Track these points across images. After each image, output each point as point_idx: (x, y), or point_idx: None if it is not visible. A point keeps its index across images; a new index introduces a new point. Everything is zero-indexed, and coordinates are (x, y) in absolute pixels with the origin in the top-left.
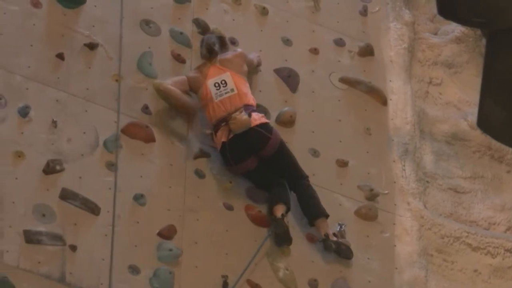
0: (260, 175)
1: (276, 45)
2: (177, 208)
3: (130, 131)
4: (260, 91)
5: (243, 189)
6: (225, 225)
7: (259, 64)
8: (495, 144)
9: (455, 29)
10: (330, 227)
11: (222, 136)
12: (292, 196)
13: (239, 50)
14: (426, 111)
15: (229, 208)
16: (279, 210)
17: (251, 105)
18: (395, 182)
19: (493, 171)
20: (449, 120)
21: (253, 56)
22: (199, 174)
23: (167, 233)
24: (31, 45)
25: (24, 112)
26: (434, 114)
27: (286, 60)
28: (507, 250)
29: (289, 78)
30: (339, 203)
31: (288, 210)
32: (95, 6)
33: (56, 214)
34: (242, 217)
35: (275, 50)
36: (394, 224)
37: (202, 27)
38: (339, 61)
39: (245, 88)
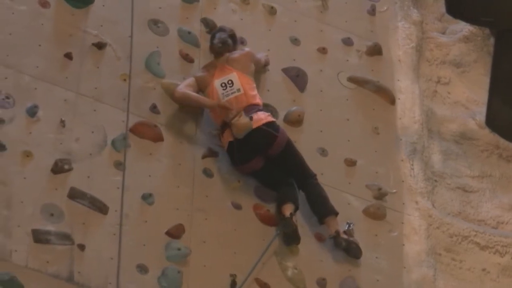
0: (268, 174)
1: (284, 44)
2: (185, 208)
3: (138, 130)
4: (268, 90)
5: (252, 188)
6: (233, 224)
7: (267, 64)
8: (503, 143)
9: (463, 28)
10: (339, 226)
11: (228, 136)
12: (300, 195)
13: (246, 49)
14: (434, 110)
15: (238, 207)
16: (288, 209)
17: (257, 105)
18: (403, 181)
19: (501, 170)
20: (457, 119)
21: (261, 55)
22: (208, 174)
23: (175, 232)
24: (40, 45)
25: (32, 112)
26: (442, 113)
27: (294, 60)
28: None
29: (297, 78)
30: (347, 202)
31: (296, 209)
32: (103, 5)
33: (64, 214)
34: (250, 216)
35: (283, 50)
36: (402, 223)
37: (210, 27)
38: (347, 60)
39: (252, 88)
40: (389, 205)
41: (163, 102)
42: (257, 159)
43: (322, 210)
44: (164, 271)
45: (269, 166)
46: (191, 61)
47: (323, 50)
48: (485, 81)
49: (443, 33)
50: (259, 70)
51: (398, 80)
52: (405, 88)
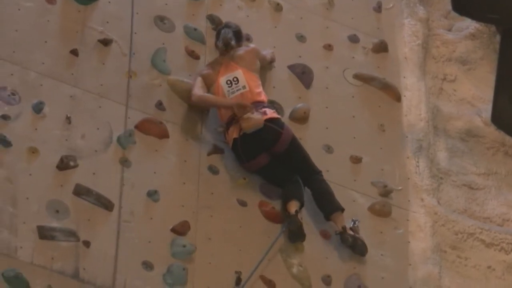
0: (273, 172)
1: (290, 41)
2: (190, 204)
3: (144, 127)
4: (274, 87)
5: (257, 185)
6: (238, 221)
7: (272, 61)
8: (509, 140)
9: (470, 25)
10: (345, 222)
11: (233, 133)
12: (306, 192)
13: (251, 45)
14: (440, 107)
15: (243, 204)
16: (293, 206)
17: (262, 102)
18: (408, 179)
19: (507, 168)
20: (463, 116)
21: (266, 52)
22: (213, 170)
23: (180, 229)
24: (46, 42)
25: (38, 108)
26: (448, 111)
27: (300, 57)
28: None
29: (303, 75)
30: (353, 199)
31: (301, 206)
32: (109, 2)
33: (69, 210)
34: (255, 213)
35: (289, 47)
36: (407, 220)
37: (216, 24)
38: (353, 57)
39: (257, 84)
40: (395, 202)
41: (169, 99)
42: (263, 156)
43: (329, 206)
44: (169, 268)
45: (274, 163)
46: (197, 57)
47: (329, 47)
48: (491, 79)
49: (449, 30)
50: (265, 66)
51: (404, 77)
52: (411, 85)
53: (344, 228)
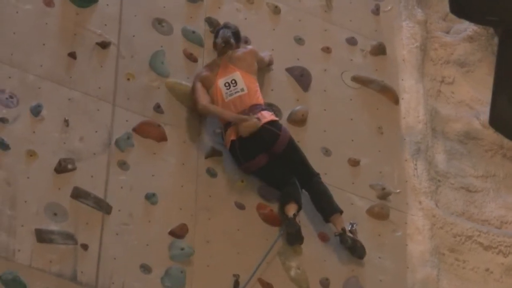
0: (271, 173)
1: (289, 44)
2: (189, 207)
3: (142, 130)
4: (272, 90)
5: (255, 188)
6: (237, 224)
7: (271, 63)
8: (508, 143)
9: (468, 27)
10: (344, 224)
11: (231, 135)
12: (303, 195)
13: (249, 47)
14: (439, 110)
15: (241, 207)
16: (291, 209)
17: (260, 104)
18: (407, 181)
19: (506, 170)
20: (462, 119)
21: (265, 54)
22: (211, 173)
23: (179, 232)
24: (44, 44)
25: (36, 111)
26: (447, 113)
27: (298, 59)
28: None
29: (301, 77)
30: (351, 202)
31: (299, 209)
32: (107, 4)
33: (68, 213)
34: (254, 216)
35: (287, 49)
36: (406, 223)
37: (215, 26)
38: (351, 60)
39: (255, 87)
40: (393, 205)
41: (167, 102)
42: (261, 157)
43: (328, 208)
44: (167, 271)
45: (272, 164)
46: (195, 60)
47: (327, 50)
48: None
49: (448, 32)
50: (263, 68)
51: (402, 79)
52: (409, 88)
53: (343, 229)
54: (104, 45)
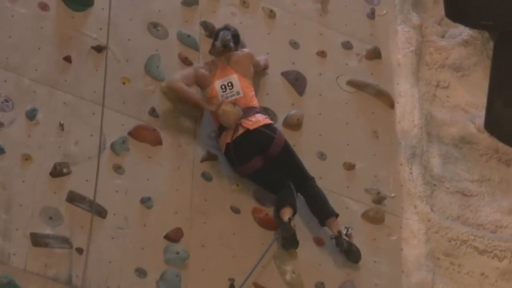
0: (267, 175)
1: (284, 48)
2: (184, 211)
3: (137, 134)
4: (267, 94)
5: (250, 192)
6: (232, 228)
7: (266, 67)
8: (503, 147)
9: (463, 32)
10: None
11: (226, 138)
12: (299, 198)
13: (246, 50)
14: (434, 114)
15: (236, 211)
16: (286, 213)
17: (255, 107)
18: (402, 185)
19: (501, 174)
20: (457, 123)
21: (261, 58)
22: (206, 177)
23: (174, 236)
24: (39, 48)
25: (31, 115)
26: (442, 117)
27: (293, 63)
28: None
29: (297, 81)
30: (346, 206)
31: (295, 213)
32: (103, 8)
33: (63, 217)
34: (249, 220)
35: (282, 53)
36: (401, 227)
37: (210, 30)
38: (346, 64)
39: (251, 90)
40: (388, 209)
41: (162, 106)
42: (256, 159)
43: (323, 211)
44: (163, 275)
45: (267, 167)
46: (190, 64)
47: (322, 54)
48: (485, 85)
49: (443, 36)
50: (258, 72)
51: (398, 83)
52: (405, 92)
53: (339, 232)
54: (99, 49)
